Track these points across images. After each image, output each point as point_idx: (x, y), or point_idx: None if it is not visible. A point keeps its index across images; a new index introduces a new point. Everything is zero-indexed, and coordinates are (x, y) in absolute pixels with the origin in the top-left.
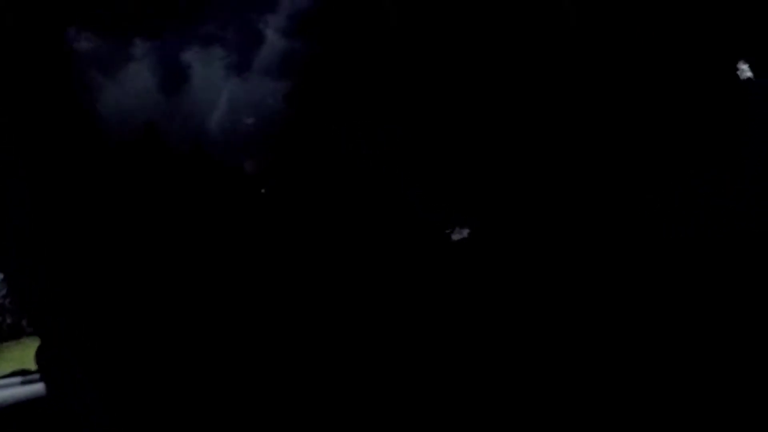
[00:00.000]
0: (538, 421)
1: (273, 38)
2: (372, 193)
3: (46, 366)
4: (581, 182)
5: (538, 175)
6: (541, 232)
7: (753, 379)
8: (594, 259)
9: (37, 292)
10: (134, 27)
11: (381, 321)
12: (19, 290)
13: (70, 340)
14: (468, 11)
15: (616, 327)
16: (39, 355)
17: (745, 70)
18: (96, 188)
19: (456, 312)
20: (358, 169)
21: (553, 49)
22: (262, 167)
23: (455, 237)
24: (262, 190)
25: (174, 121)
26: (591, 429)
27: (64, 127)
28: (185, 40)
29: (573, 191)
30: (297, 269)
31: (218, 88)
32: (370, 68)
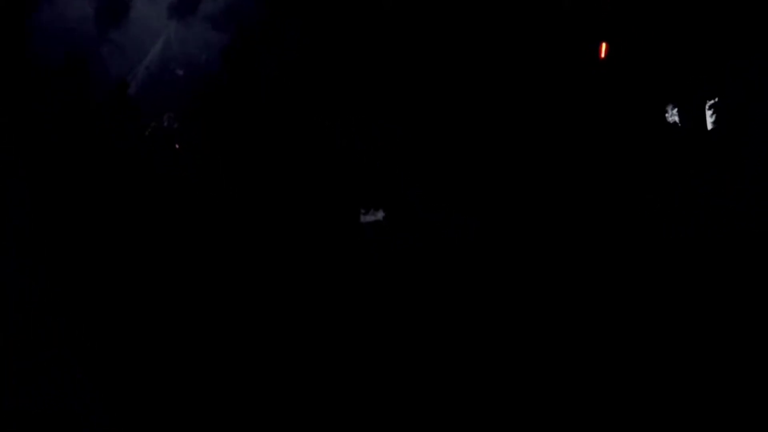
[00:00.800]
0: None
1: None
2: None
3: (46, 366)
4: (580, 180)
5: (538, 173)
6: (541, 229)
7: (753, 377)
8: (591, 255)
9: (37, 292)
10: None
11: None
12: (20, 290)
13: (70, 340)
14: (464, 10)
15: (616, 324)
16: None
17: (672, 114)
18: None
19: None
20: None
21: (551, 47)
22: (180, 123)
23: (367, 219)
24: (177, 146)
25: (104, 57)
26: (589, 427)
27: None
28: None
29: (573, 189)
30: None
31: (157, 29)
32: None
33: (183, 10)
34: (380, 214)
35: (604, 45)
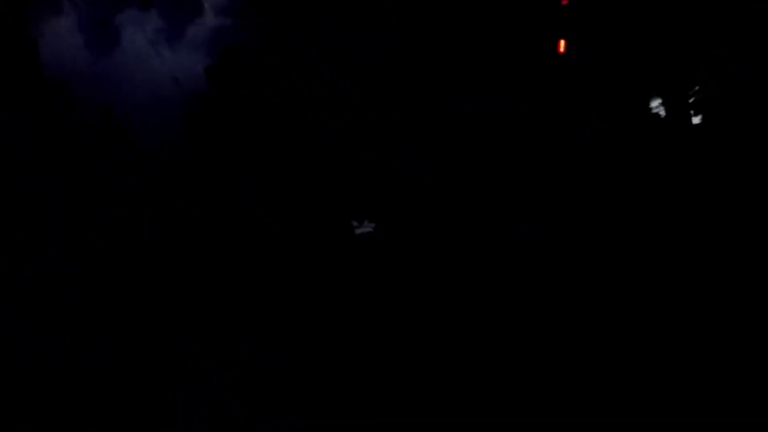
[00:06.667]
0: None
1: (209, 14)
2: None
3: None
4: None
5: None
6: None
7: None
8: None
9: None
10: None
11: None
12: None
13: None
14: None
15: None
16: None
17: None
18: None
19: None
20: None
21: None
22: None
23: (360, 231)
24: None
25: (96, 83)
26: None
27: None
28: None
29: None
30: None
31: (146, 55)
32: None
33: (170, 35)
34: (370, 226)
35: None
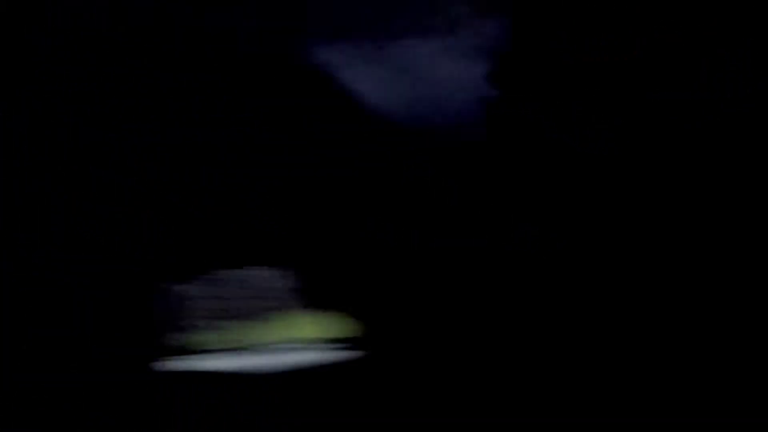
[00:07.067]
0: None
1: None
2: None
3: None
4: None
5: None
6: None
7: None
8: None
9: None
10: (375, 33)
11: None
12: None
13: None
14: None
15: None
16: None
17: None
18: None
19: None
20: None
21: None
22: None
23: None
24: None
25: (422, 105)
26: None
27: None
28: (423, 40)
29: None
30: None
31: (452, 75)
32: None
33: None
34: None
35: None
